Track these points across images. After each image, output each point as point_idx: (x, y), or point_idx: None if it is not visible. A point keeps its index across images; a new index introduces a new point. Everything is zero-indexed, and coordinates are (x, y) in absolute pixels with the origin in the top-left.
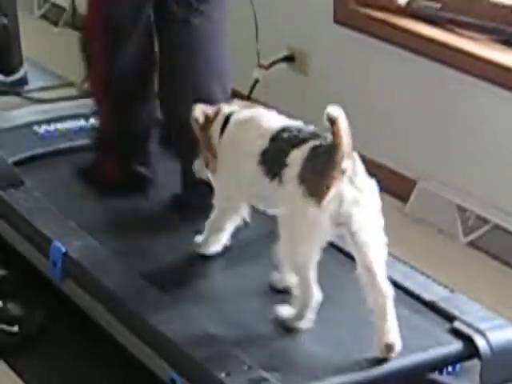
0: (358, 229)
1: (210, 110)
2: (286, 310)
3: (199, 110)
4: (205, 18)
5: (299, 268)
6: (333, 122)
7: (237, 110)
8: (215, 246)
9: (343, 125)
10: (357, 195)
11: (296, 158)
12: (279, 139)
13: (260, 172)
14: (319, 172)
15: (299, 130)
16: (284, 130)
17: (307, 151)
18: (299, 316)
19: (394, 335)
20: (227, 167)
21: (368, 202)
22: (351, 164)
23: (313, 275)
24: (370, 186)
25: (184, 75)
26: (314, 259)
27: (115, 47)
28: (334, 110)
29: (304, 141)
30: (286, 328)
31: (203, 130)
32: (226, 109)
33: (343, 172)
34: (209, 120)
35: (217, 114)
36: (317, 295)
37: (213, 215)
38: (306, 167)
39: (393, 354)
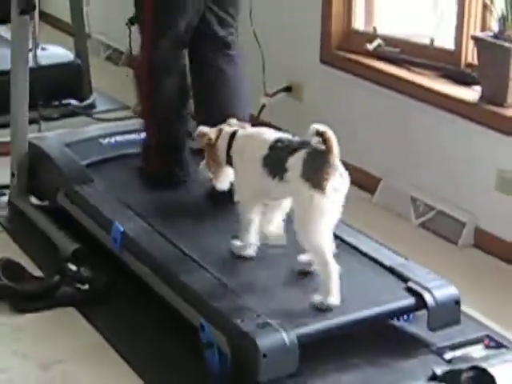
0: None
1: (213, 130)
2: (316, 296)
3: (208, 131)
4: (232, 62)
5: (315, 247)
6: (321, 134)
7: (237, 128)
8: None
9: (332, 135)
10: (343, 185)
11: (294, 163)
12: (276, 148)
13: (264, 173)
14: (319, 170)
15: (290, 141)
16: (278, 140)
17: (303, 157)
18: (328, 291)
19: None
20: (239, 171)
21: (346, 189)
22: (339, 163)
23: (328, 251)
24: (347, 176)
25: (217, 107)
26: (327, 238)
27: (159, 82)
28: (320, 126)
29: (296, 149)
30: (319, 308)
31: (209, 145)
32: (227, 128)
33: (336, 169)
34: (214, 138)
35: (220, 132)
36: (336, 268)
37: (241, 215)
38: (306, 168)
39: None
